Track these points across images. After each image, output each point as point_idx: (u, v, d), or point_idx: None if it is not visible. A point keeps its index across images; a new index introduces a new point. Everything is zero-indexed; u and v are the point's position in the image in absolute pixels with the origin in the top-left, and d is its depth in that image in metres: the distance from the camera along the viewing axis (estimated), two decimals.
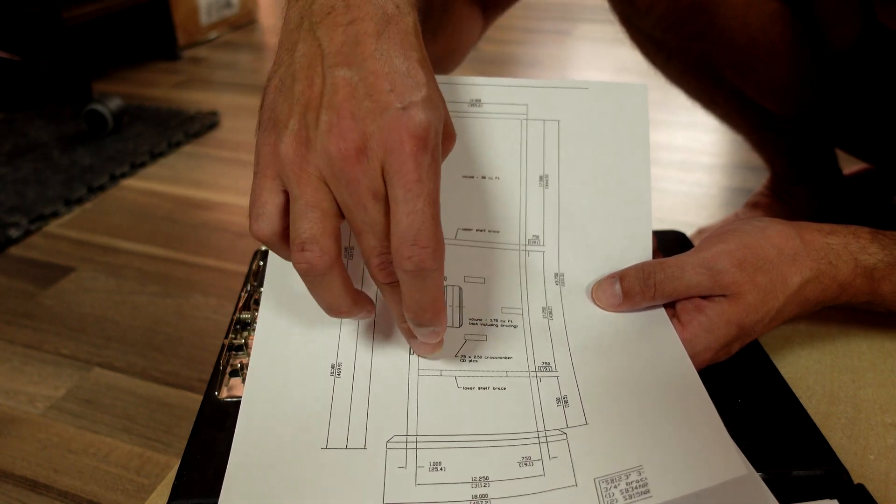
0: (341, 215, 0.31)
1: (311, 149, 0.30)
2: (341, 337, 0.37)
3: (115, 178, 1.29)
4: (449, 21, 0.60)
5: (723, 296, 0.37)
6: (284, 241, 0.32)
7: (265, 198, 0.32)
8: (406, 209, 0.29)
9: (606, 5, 0.73)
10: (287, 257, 0.33)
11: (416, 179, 0.29)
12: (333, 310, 0.33)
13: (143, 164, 1.34)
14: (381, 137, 0.29)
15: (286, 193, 0.32)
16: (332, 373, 0.35)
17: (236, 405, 0.33)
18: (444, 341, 0.37)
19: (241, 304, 0.42)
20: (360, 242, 0.31)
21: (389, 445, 0.32)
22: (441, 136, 0.31)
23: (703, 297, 0.38)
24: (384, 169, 0.29)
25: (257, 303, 0.42)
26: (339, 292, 0.32)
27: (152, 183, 1.29)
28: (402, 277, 0.30)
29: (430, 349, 0.36)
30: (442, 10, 0.58)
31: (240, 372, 0.38)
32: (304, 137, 0.30)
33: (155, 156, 1.38)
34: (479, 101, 0.44)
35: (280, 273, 0.39)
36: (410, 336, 0.35)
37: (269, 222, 0.32)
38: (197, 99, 1.69)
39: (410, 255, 0.29)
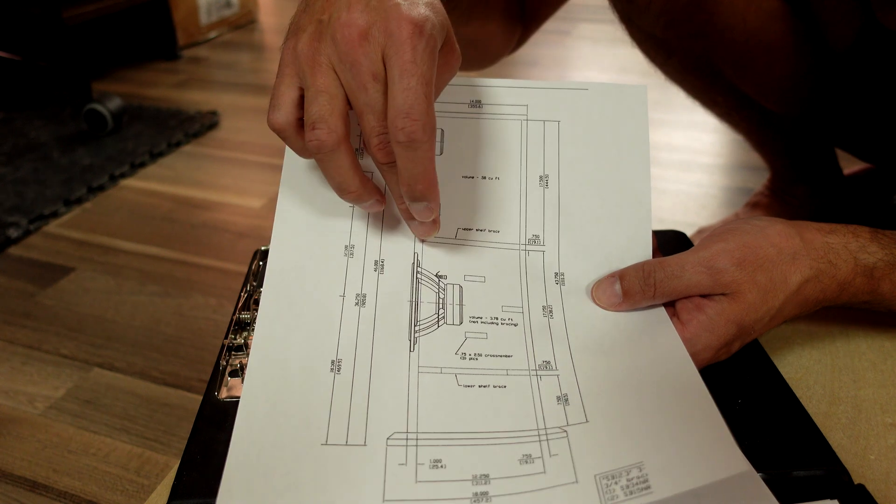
0: (349, 102, 0.34)
1: (323, 40, 0.34)
2: (341, 334, 0.37)
3: (114, 178, 1.29)
4: (484, 10, 0.61)
5: (723, 294, 0.37)
6: (297, 131, 0.36)
7: (282, 91, 0.36)
8: (401, 86, 0.32)
9: (606, 5, 0.73)
10: (299, 148, 0.37)
11: (410, 60, 0.32)
12: (343, 189, 0.36)
13: (142, 164, 1.34)
14: (382, 25, 0.32)
15: (302, 90, 0.35)
16: (332, 369, 0.35)
17: (236, 405, 0.33)
18: (445, 339, 0.37)
19: (240, 304, 0.42)
20: (362, 124, 0.34)
21: (390, 442, 0.32)
22: (439, 32, 0.34)
23: (704, 296, 0.38)
24: (384, 53, 0.33)
25: (257, 303, 0.42)
26: (347, 170, 0.35)
27: (152, 183, 1.29)
28: (396, 151, 0.33)
29: (427, 229, 0.39)
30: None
31: (239, 372, 0.38)
32: (318, 34, 0.34)
33: (155, 156, 1.38)
34: (480, 101, 0.44)
35: (281, 270, 0.39)
36: (409, 218, 0.38)
37: (283, 112, 0.36)
38: (197, 99, 1.69)
39: (403, 126, 0.32)
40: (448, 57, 0.36)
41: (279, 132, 0.36)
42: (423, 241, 0.41)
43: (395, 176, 0.35)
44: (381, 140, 0.34)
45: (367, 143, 0.35)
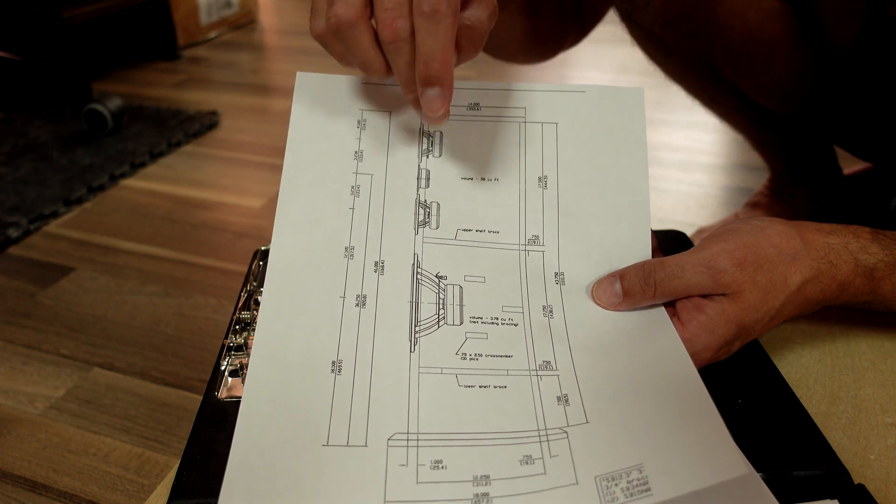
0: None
1: None
2: (342, 334, 0.37)
3: (114, 178, 1.29)
4: (539, 4, 0.62)
5: (723, 295, 0.37)
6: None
7: (320, 4, 0.37)
8: None
9: None
10: (339, 55, 0.38)
11: None
12: (368, 66, 0.37)
13: (142, 164, 1.34)
14: None
15: None
16: (332, 370, 0.35)
17: (236, 405, 0.33)
18: (445, 340, 0.37)
19: (240, 304, 0.42)
20: (376, 4, 0.35)
21: (391, 443, 0.32)
22: None
23: (703, 297, 0.38)
24: None
25: (257, 303, 0.42)
26: (368, 45, 0.36)
27: (152, 183, 1.29)
28: (418, 24, 0.34)
29: (436, 116, 0.37)
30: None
31: (239, 372, 0.38)
32: None
33: (155, 156, 1.38)
34: (478, 104, 0.44)
35: (281, 271, 0.39)
36: (417, 105, 0.38)
37: (322, 20, 0.37)
38: (197, 99, 1.69)
39: None
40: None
41: (320, 38, 0.37)
42: (431, 126, 0.40)
43: (403, 56, 0.35)
44: (392, 14, 0.34)
45: (378, 19, 0.35)
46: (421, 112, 0.38)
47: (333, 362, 0.35)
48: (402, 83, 0.37)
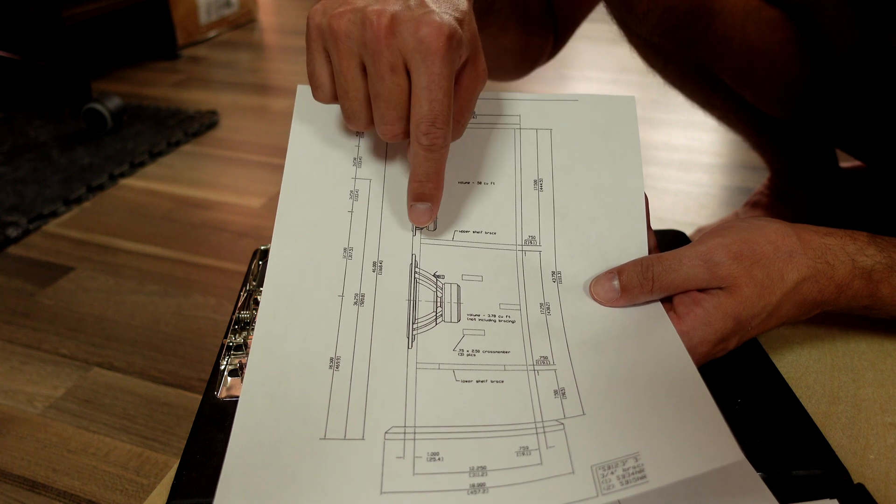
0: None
1: (352, 21, 0.36)
2: (340, 332, 0.37)
3: (114, 178, 1.29)
4: (520, 19, 0.62)
5: (719, 289, 0.37)
6: (334, 99, 0.39)
7: (318, 70, 0.38)
8: (429, 97, 0.35)
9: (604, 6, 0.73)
10: (314, 68, 0.39)
11: (439, 73, 0.34)
12: (353, 115, 0.38)
13: (142, 164, 1.34)
14: (413, 27, 0.34)
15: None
16: (330, 366, 0.35)
17: (235, 404, 0.33)
18: (443, 336, 0.37)
19: (240, 304, 0.42)
20: (374, 107, 0.37)
21: (387, 436, 0.33)
22: (465, 48, 0.36)
23: (701, 291, 0.38)
24: (408, 54, 0.35)
25: (256, 302, 0.42)
26: (360, 108, 0.38)
27: (151, 182, 1.29)
28: (416, 150, 0.37)
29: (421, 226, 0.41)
30: (512, 8, 0.60)
31: (239, 372, 0.38)
32: (348, 11, 0.36)
33: (154, 155, 1.38)
34: (474, 113, 0.45)
35: (281, 271, 0.39)
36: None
37: (327, 91, 0.39)
38: (196, 98, 1.69)
39: (428, 132, 0.36)
40: (475, 72, 0.38)
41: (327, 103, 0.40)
42: (419, 229, 0.41)
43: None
44: (389, 131, 0.37)
45: (377, 124, 0.37)
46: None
47: (331, 358, 0.36)
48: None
